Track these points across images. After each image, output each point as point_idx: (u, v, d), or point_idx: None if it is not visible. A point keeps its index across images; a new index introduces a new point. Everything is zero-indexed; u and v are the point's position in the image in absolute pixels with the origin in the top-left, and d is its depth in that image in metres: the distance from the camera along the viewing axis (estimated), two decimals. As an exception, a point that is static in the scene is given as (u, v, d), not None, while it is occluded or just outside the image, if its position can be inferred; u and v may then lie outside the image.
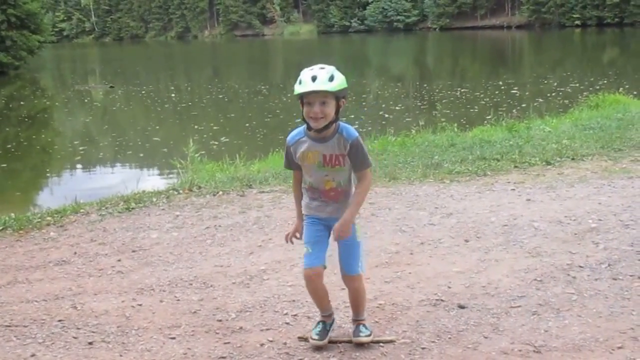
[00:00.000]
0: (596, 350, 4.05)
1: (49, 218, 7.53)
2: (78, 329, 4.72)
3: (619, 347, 4.06)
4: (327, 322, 4.35)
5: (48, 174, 16.35)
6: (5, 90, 37.34)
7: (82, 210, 7.78)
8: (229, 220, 7.13)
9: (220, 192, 8.29)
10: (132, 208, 7.79)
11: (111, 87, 34.96)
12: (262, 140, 17.72)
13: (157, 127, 21.97)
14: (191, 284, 5.44)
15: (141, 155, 17.53)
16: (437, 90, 26.73)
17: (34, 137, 21.10)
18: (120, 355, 4.30)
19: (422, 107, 22.83)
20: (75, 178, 15.57)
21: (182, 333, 4.57)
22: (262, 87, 32.05)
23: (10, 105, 29.89)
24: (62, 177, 15.92)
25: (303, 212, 4.21)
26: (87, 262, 6.11)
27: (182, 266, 5.87)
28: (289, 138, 4.09)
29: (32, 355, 4.37)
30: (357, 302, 4.35)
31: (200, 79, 41.07)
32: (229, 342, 4.38)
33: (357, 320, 4.36)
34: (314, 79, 3.78)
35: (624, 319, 4.42)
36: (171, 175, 12.16)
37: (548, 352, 4.02)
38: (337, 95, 3.84)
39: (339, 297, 4.53)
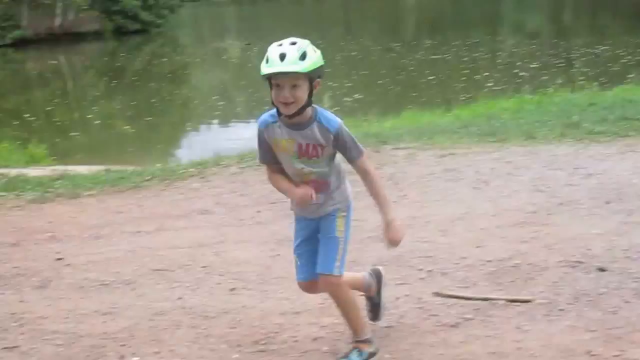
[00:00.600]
0: None
1: (192, 170, 7.86)
2: (221, 275, 4.95)
3: None
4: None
5: (188, 128, 16.97)
6: (147, 48, 38.79)
7: (222, 163, 8.07)
8: (364, 176, 7.18)
9: (355, 148, 8.35)
10: (270, 162, 7.98)
11: (247, 44, 35.50)
12: (394, 98, 17.66)
13: (292, 84, 22.21)
14: (328, 237, 5.55)
15: (277, 110, 17.83)
16: (575, 48, 25.71)
17: (175, 92, 21.91)
18: (261, 302, 4.47)
19: (558, 65, 22.02)
20: (214, 131, 16.09)
21: (320, 284, 4.69)
22: (394, 44, 31.75)
23: (153, 62, 31.07)
24: (200, 130, 16.48)
25: (291, 209, 3.74)
26: (228, 213, 6.36)
27: (319, 219, 5.99)
28: (260, 121, 3.46)
29: (179, 298, 4.61)
30: (344, 315, 3.65)
31: (333, 36, 41.07)
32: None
33: (354, 342, 3.65)
34: (282, 57, 3.20)
35: None
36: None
37: (694, 320, 3.88)
38: (311, 76, 3.25)
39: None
